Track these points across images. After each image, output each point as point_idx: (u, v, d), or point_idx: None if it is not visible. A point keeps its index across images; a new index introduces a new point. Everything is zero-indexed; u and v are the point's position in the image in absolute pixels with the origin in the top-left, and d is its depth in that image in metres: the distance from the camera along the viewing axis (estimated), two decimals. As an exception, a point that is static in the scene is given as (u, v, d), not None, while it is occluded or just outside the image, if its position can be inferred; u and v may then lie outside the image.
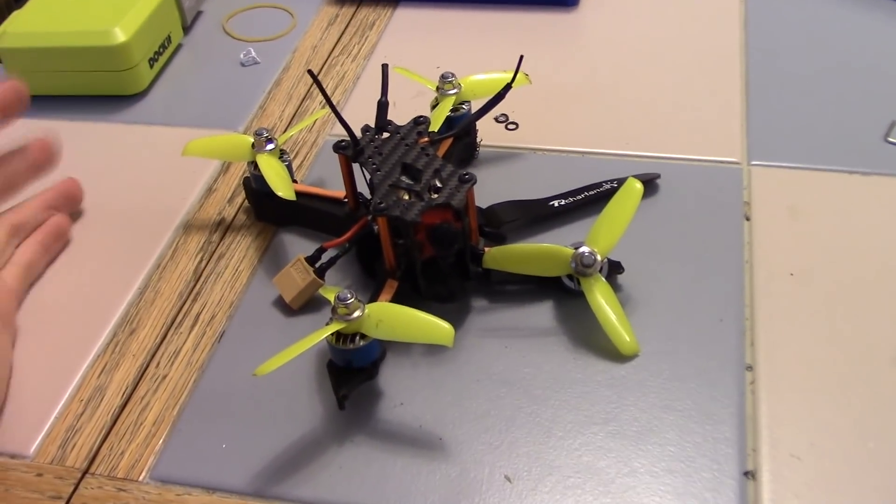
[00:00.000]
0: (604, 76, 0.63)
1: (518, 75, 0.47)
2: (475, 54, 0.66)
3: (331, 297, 0.42)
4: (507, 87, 0.46)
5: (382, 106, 0.47)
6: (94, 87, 0.65)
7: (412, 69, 0.57)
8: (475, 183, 0.44)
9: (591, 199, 0.50)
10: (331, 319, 0.42)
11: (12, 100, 0.47)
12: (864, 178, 0.53)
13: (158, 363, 0.47)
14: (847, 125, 0.57)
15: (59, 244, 0.53)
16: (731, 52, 0.64)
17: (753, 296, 0.47)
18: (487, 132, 0.58)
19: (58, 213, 0.54)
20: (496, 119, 0.59)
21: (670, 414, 0.42)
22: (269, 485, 0.41)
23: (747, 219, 0.51)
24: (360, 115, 0.51)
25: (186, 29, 0.71)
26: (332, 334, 0.41)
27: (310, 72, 0.44)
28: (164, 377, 0.46)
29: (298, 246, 0.52)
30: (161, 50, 0.66)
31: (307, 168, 0.58)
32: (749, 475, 0.40)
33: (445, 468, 0.41)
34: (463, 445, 0.42)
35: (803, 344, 0.44)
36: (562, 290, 0.47)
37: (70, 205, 0.55)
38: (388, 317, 0.41)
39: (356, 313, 0.41)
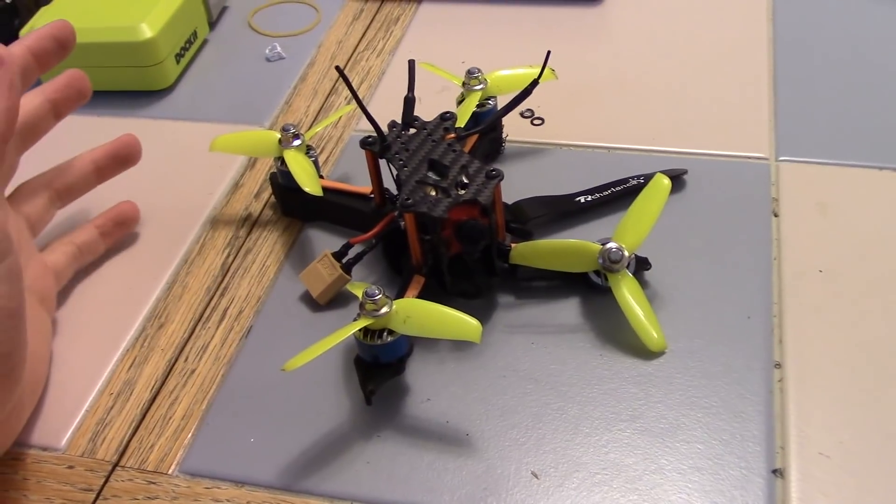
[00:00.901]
0: (629, 70, 0.62)
1: (545, 70, 0.47)
2: (500, 49, 0.65)
3: (358, 292, 0.43)
4: (535, 82, 0.45)
5: (409, 102, 0.47)
6: (121, 83, 0.65)
7: (437, 64, 0.57)
8: (502, 179, 0.44)
9: (618, 195, 0.50)
10: (358, 315, 0.42)
11: (72, 90, 0.49)
12: (894, 173, 0.53)
13: (187, 358, 0.47)
14: (877, 120, 0.56)
15: (121, 231, 0.53)
16: (758, 46, 0.63)
17: (782, 293, 0.47)
18: (513, 127, 0.58)
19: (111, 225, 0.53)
20: (521, 114, 0.59)
21: (698, 411, 0.42)
22: (297, 479, 0.41)
23: (775, 215, 0.51)
24: (386, 110, 0.51)
25: (212, 24, 0.71)
26: (359, 330, 0.42)
27: (337, 68, 0.44)
28: (193, 371, 0.47)
29: (325, 241, 0.52)
30: (187, 45, 0.67)
31: (333, 163, 0.58)
32: (777, 473, 0.39)
33: (472, 464, 0.41)
34: (490, 441, 0.42)
35: (832, 341, 0.44)
36: (589, 287, 0.47)
37: (123, 229, 0.54)
38: (416, 313, 0.41)
39: (384, 309, 0.41)
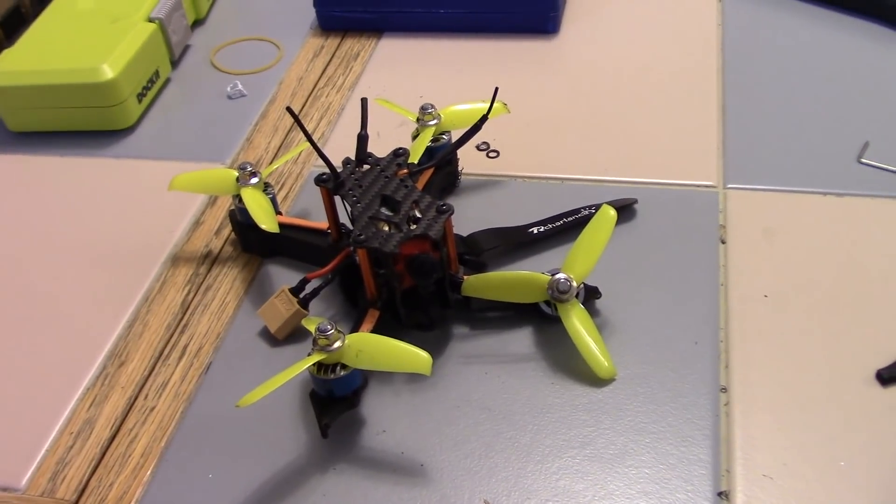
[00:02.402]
0: (583, 102, 0.64)
1: (497, 104, 0.48)
2: (458, 82, 0.67)
3: (312, 328, 0.43)
4: (484, 118, 0.47)
5: (362, 139, 0.48)
6: (83, 123, 0.66)
7: (396, 99, 0.58)
8: (452, 213, 0.45)
9: (570, 226, 0.51)
10: (312, 350, 0.43)
11: None
12: (838, 199, 0.54)
13: (147, 395, 0.48)
14: (822, 147, 0.58)
15: None
16: (708, 78, 0.65)
17: (728, 318, 0.48)
18: (469, 160, 0.59)
19: None
20: (477, 147, 0.61)
21: (646, 436, 0.43)
22: (255, 514, 0.42)
23: (723, 242, 0.52)
24: (345, 145, 0.52)
25: (174, 63, 0.72)
26: (313, 365, 0.42)
27: (288, 109, 0.45)
28: (153, 409, 0.47)
29: (284, 277, 0.53)
30: (149, 85, 0.68)
31: (293, 199, 0.59)
32: (723, 496, 0.40)
33: (427, 494, 0.42)
34: (444, 471, 0.42)
35: (777, 365, 0.45)
36: (541, 316, 0.48)
37: None
38: (368, 347, 0.42)
39: (336, 344, 0.42)
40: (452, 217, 0.47)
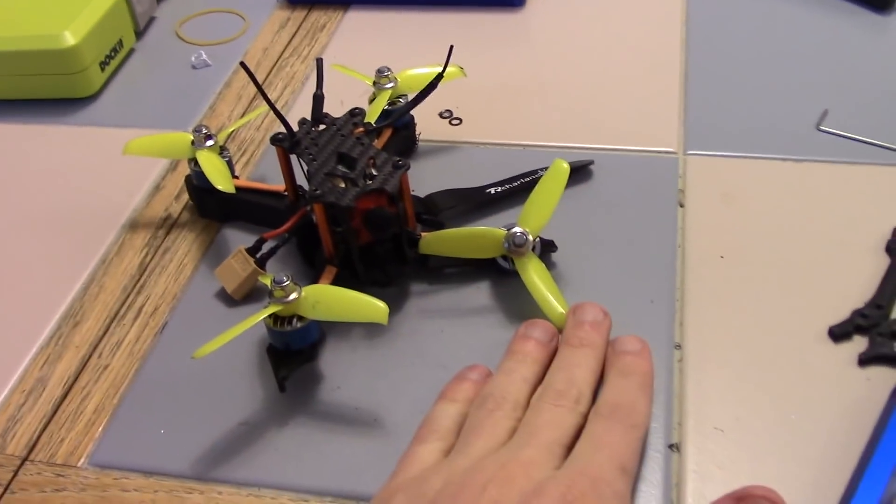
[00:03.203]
0: (549, 73, 0.64)
1: (453, 68, 0.48)
2: (423, 54, 0.66)
3: (268, 281, 0.43)
4: (439, 77, 0.47)
5: (318, 99, 0.48)
6: (45, 91, 0.65)
7: (362, 70, 0.58)
8: (408, 168, 0.45)
9: (527, 186, 0.51)
10: (268, 302, 0.42)
11: None
12: (796, 164, 0.55)
13: (101, 354, 0.47)
14: (781, 115, 0.58)
15: None
16: (671, 48, 0.65)
17: (685, 278, 0.48)
18: (431, 127, 0.59)
19: None
20: (440, 115, 0.60)
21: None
22: (207, 468, 0.41)
23: (681, 205, 0.52)
24: (308, 113, 0.52)
25: (139, 34, 0.72)
26: (269, 317, 0.42)
27: (242, 63, 0.45)
28: (106, 367, 0.47)
29: (242, 240, 0.53)
30: (112, 54, 0.67)
31: (254, 164, 0.59)
32: (674, 448, 0.40)
33: (382, 448, 0.42)
34: (399, 426, 0.42)
35: (731, 323, 0.46)
36: (498, 272, 0.48)
37: None
38: (324, 297, 0.42)
39: (293, 295, 0.42)
40: (411, 179, 0.47)
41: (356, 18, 0.72)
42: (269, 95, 0.46)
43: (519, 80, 0.63)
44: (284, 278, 0.41)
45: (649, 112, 0.60)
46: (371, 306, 0.41)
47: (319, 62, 0.49)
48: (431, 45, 0.68)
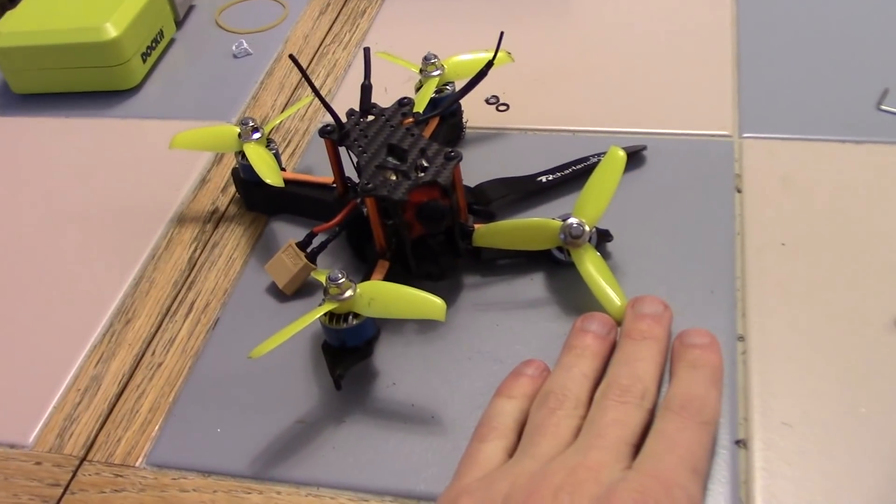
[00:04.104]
0: (595, 54, 0.63)
1: (501, 53, 0.47)
2: (466, 39, 0.65)
3: (323, 279, 0.43)
4: (489, 64, 0.46)
5: (366, 89, 0.47)
6: (88, 84, 0.65)
7: (404, 56, 0.57)
8: (461, 160, 0.44)
9: (579, 173, 0.50)
10: (323, 300, 0.42)
11: None
12: (856, 146, 0.53)
13: (154, 351, 0.47)
14: (839, 94, 0.56)
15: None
16: (722, 26, 0.63)
17: (745, 266, 0.47)
18: (478, 114, 0.58)
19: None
20: (487, 101, 0.59)
21: (663, 386, 0.42)
22: (264, 467, 0.41)
23: (738, 191, 0.51)
24: (352, 102, 0.51)
25: (179, 23, 0.71)
26: (325, 314, 0.42)
27: (291, 56, 0.44)
28: (160, 365, 0.47)
29: (290, 233, 0.52)
30: (153, 45, 0.67)
31: (299, 156, 0.58)
32: (741, 444, 0.39)
33: (438, 445, 0.41)
34: (455, 423, 0.42)
35: (795, 313, 0.44)
36: (553, 262, 0.47)
37: None
38: (380, 294, 0.42)
39: (348, 292, 0.41)
40: (460, 168, 0.46)
41: (396, 3, 0.71)
42: (313, 82, 0.45)
43: (565, 64, 0.62)
44: (339, 275, 0.41)
45: (701, 93, 0.58)
46: (428, 303, 0.40)
47: (367, 52, 0.48)
48: (474, 29, 0.67)
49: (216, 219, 0.54)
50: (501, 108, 0.59)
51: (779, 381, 0.42)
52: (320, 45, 0.68)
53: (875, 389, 0.41)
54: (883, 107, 0.55)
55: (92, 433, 0.44)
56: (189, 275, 0.51)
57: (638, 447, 0.36)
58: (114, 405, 0.45)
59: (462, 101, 0.55)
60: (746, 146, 0.54)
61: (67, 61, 0.64)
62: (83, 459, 0.43)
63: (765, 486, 0.38)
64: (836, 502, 0.37)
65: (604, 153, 0.50)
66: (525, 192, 0.50)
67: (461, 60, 0.54)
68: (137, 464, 0.42)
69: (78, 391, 0.46)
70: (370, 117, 0.47)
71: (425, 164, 0.44)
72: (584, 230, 0.44)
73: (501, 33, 0.47)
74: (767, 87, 0.58)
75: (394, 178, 0.44)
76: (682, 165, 0.53)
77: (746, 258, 0.47)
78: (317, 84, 0.63)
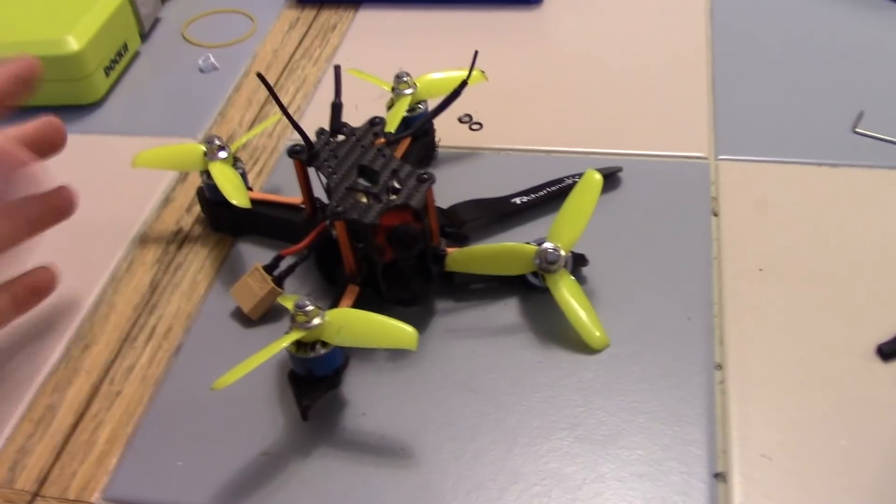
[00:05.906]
0: (570, 74, 0.62)
1: (475, 72, 0.46)
2: (438, 55, 0.64)
3: (289, 305, 0.41)
4: (463, 83, 0.44)
5: (336, 108, 0.46)
6: (49, 98, 0.63)
7: (374, 72, 0.56)
8: (434, 182, 0.43)
9: (554, 195, 0.49)
10: (290, 328, 0.40)
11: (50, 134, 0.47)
12: (832, 169, 0.52)
13: (113, 379, 0.45)
14: (815, 117, 0.56)
15: (36, 301, 0.46)
16: (697, 48, 0.63)
17: (722, 292, 0.46)
18: (451, 133, 0.57)
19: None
20: (460, 119, 0.58)
21: (638, 416, 0.41)
22: (228, 502, 0.39)
23: (715, 214, 0.50)
24: (322, 119, 0.49)
25: (144, 36, 0.69)
26: (291, 343, 0.40)
27: (259, 75, 0.43)
28: (119, 393, 0.45)
29: (257, 255, 0.51)
30: (117, 58, 0.65)
31: (267, 174, 0.56)
32: (719, 477, 0.38)
33: (410, 479, 0.40)
34: (427, 455, 0.40)
35: (773, 341, 0.43)
36: (527, 287, 0.46)
37: (38, 299, 0.47)
38: (349, 323, 0.40)
39: (315, 320, 0.40)
40: (433, 189, 0.44)
41: (368, 17, 0.70)
42: (277, 94, 0.43)
43: (539, 83, 0.61)
44: (307, 303, 0.39)
45: (677, 115, 0.57)
46: (399, 331, 0.39)
47: (338, 69, 0.46)
48: (446, 46, 0.66)
49: (180, 239, 0.53)
50: (475, 126, 0.58)
51: (757, 411, 0.41)
52: (290, 59, 0.66)
53: (856, 421, 0.40)
54: (858, 129, 0.55)
55: (45, 466, 0.42)
56: (151, 298, 0.49)
57: None
58: (69, 436, 0.43)
59: (434, 120, 0.54)
60: (722, 168, 0.53)
61: (27, 74, 0.62)
62: (36, 494, 0.41)
63: (745, 521, 0.37)
64: (817, 539, 0.36)
65: (579, 174, 0.50)
66: (499, 213, 0.49)
67: (434, 79, 0.52)
68: (93, 499, 0.40)
69: (31, 421, 0.44)
70: (340, 137, 0.46)
71: (397, 186, 0.43)
72: (559, 256, 0.43)
73: (476, 52, 0.46)
74: (743, 109, 0.57)
75: (364, 200, 0.43)
76: (658, 188, 0.52)
77: (724, 284, 0.46)
78: (286, 100, 0.62)
